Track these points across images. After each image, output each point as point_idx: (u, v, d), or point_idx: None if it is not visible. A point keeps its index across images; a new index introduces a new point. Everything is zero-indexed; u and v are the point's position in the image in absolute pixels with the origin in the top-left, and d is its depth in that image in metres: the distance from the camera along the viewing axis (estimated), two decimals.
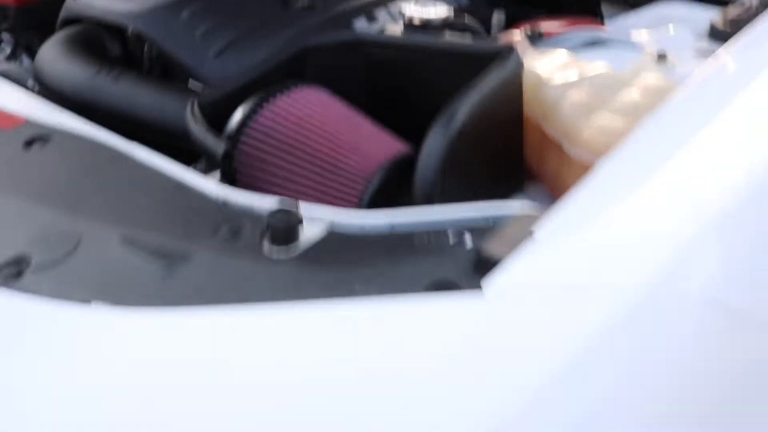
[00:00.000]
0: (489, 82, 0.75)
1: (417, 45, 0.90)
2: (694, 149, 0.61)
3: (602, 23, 1.13)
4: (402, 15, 0.96)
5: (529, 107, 0.83)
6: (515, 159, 0.85)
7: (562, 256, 0.51)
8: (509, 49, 0.80)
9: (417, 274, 0.54)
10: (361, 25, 1.13)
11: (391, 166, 0.76)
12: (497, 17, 1.10)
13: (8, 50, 1.45)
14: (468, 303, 0.49)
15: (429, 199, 0.70)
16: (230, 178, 0.78)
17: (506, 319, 0.47)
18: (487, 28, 1.16)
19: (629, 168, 0.61)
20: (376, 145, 0.79)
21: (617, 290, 0.48)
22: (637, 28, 1.08)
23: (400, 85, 0.90)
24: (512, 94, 0.81)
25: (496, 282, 0.49)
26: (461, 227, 0.59)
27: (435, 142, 0.69)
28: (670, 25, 1.04)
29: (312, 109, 0.81)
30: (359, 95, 0.93)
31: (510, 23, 1.16)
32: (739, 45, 0.79)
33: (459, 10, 1.25)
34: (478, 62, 0.80)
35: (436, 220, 0.61)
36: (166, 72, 1.10)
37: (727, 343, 0.50)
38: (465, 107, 0.71)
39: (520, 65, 0.80)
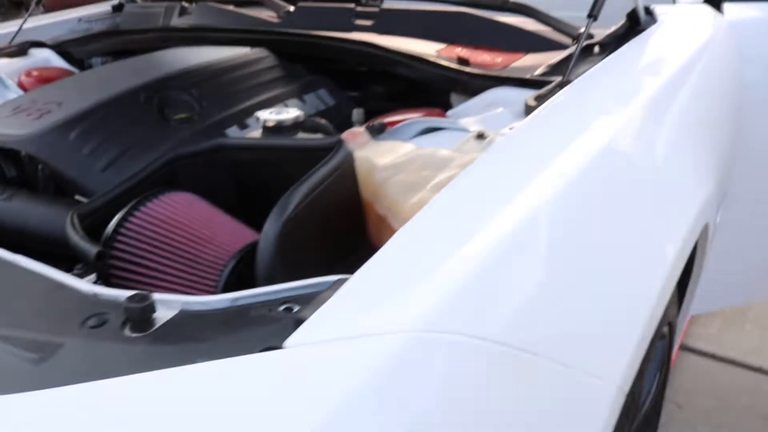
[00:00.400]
0: (318, 173, 0.89)
1: (263, 144, 1.04)
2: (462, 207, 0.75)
3: (444, 112, 1.30)
4: (258, 120, 1.10)
5: (364, 189, 0.97)
6: (358, 234, 0.98)
7: (348, 310, 0.63)
8: (339, 143, 0.95)
9: (251, 341, 0.66)
10: (233, 132, 1.27)
11: (241, 254, 0.88)
12: (357, 113, 1.25)
13: None
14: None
15: (270, 277, 0.82)
16: (105, 277, 0.89)
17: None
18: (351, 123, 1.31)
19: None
20: (231, 237, 0.92)
21: (390, 338, 0.60)
22: (473, 113, 1.25)
23: (259, 179, 1.03)
24: (345, 180, 0.95)
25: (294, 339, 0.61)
26: (289, 299, 0.71)
27: (269, 229, 0.82)
28: (499, 108, 1.21)
29: (176, 211, 0.94)
30: (229, 193, 1.06)
31: (369, 117, 1.33)
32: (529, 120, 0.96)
33: (325, 110, 1.42)
34: (314, 156, 0.94)
35: (270, 295, 0.73)
36: (59, 188, 1.21)
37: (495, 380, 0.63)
38: (295, 197, 0.85)
39: (348, 155, 0.94)
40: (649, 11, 1.52)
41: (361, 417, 0.54)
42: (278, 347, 0.60)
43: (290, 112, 1.10)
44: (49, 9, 6.54)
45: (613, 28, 1.47)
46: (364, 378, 0.56)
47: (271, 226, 0.82)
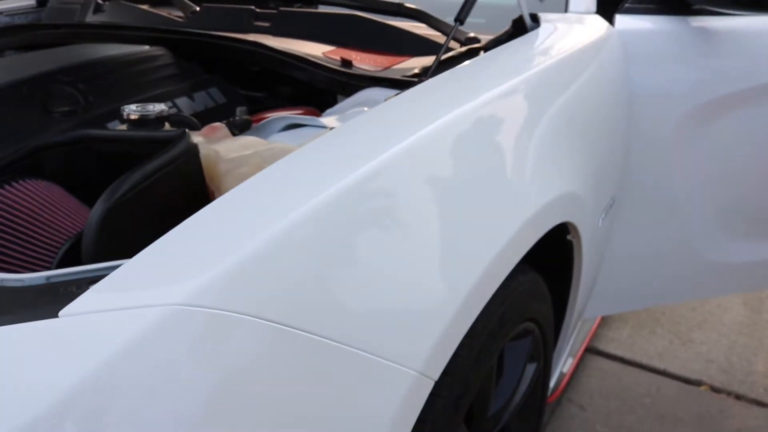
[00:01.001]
0: (153, 162, 0.93)
1: (120, 136, 1.08)
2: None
3: (319, 112, 1.35)
4: (123, 113, 1.14)
5: (209, 180, 1.02)
6: None
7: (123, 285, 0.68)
8: (181, 135, 0.99)
9: (46, 311, 0.70)
10: (113, 126, 1.32)
11: (78, 237, 0.92)
12: (239, 111, 1.30)
13: None
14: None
15: (93, 257, 0.86)
16: None
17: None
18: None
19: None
20: (74, 222, 0.96)
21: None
22: (343, 111, 1.30)
23: (120, 170, 1.07)
24: (184, 169, 0.99)
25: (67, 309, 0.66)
26: (98, 278, 0.76)
27: (94, 214, 0.87)
28: (364, 108, 1.26)
29: (25, 196, 0.98)
30: (95, 182, 1.10)
31: (252, 113, 1.38)
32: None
33: (215, 108, 1.47)
34: (161, 146, 0.99)
35: (80, 274, 0.77)
36: None
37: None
38: (124, 184, 0.89)
39: (190, 146, 0.99)
40: (535, 18, 1.58)
41: (102, 384, 0.60)
42: (53, 317, 0.65)
43: (155, 107, 1.14)
44: None
45: (498, 34, 1.54)
46: (116, 346, 0.61)
47: (95, 211, 0.87)
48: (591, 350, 2.51)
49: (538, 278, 1.36)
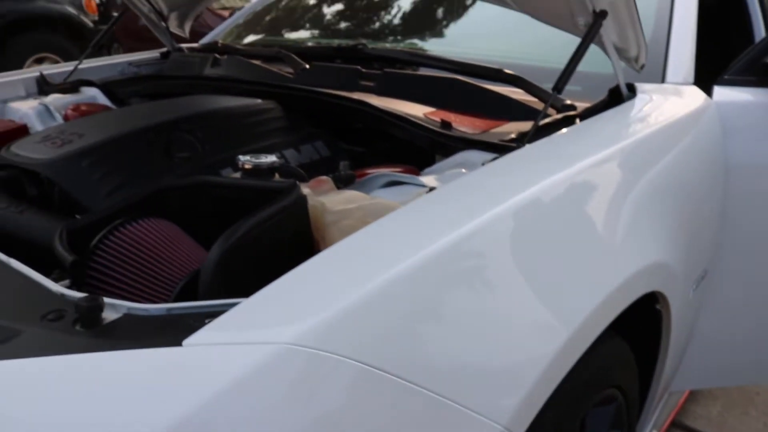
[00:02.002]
0: (265, 210, 1.02)
1: (234, 183, 1.18)
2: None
3: (418, 170, 1.42)
4: (238, 162, 1.24)
5: (315, 230, 1.10)
6: None
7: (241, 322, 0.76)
8: (291, 186, 1.08)
9: (168, 339, 0.78)
10: (227, 173, 1.42)
11: (192, 275, 1.01)
12: (343, 165, 1.38)
13: None
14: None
15: (209, 295, 0.94)
16: (78, 282, 1.03)
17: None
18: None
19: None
20: (191, 260, 1.05)
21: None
22: (441, 171, 1.37)
23: (232, 214, 1.16)
24: (294, 218, 1.07)
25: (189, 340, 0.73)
26: (214, 313, 0.84)
27: (211, 255, 0.95)
28: (462, 169, 1.32)
29: (147, 234, 1.08)
30: (209, 224, 1.19)
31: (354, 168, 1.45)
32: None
33: (319, 160, 1.56)
34: (272, 195, 1.07)
35: (198, 309, 0.86)
36: (71, 208, 1.37)
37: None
38: (239, 229, 0.98)
39: (300, 197, 1.07)
40: (632, 88, 1.62)
41: (211, 413, 0.66)
42: (177, 345, 0.73)
43: (267, 158, 1.24)
44: (124, 46, 6.97)
45: (594, 102, 1.58)
46: (231, 377, 0.68)
47: (213, 252, 0.95)
48: (677, 425, 2.43)
49: (624, 345, 1.37)
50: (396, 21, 2.45)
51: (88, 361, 0.74)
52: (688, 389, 2.51)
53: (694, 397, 2.60)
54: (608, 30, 1.49)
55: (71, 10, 6.45)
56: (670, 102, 1.62)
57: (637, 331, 1.42)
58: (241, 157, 1.24)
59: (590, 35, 1.42)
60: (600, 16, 1.43)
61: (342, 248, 0.88)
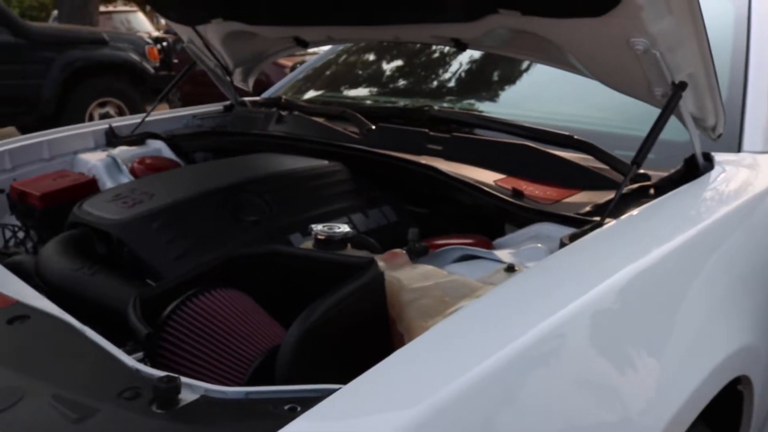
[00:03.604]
0: (344, 289, 0.99)
1: (308, 255, 1.16)
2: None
3: (491, 241, 1.39)
4: (311, 232, 1.22)
5: (391, 308, 1.07)
6: (386, 348, 1.07)
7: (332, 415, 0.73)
8: (370, 262, 1.05)
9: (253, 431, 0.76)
10: (296, 238, 1.41)
11: (268, 353, 0.99)
12: (412, 232, 1.35)
13: (30, 244, 1.77)
14: None
15: (286, 377, 0.92)
16: (151, 355, 1.02)
17: None
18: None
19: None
20: (265, 336, 1.03)
21: None
22: (515, 244, 1.33)
23: (304, 286, 1.15)
24: (375, 296, 1.05)
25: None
26: (294, 400, 0.81)
27: (290, 336, 0.93)
28: (538, 243, 1.29)
29: (221, 306, 1.06)
30: (279, 295, 1.18)
31: (424, 235, 1.43)
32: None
33: (386, 225, 1.54)
34: (349, 271, 1.05)
35: (278, 394, 0.83)
36: (140, 269, 1.37)
37: None
38: (319, 309, 0.95)
39: (378, 275, 1.05)
40: (708, 158, 1.57)
41: None
42: None
43: (341, 228, 1.22)
44: (182, 90, 7.15)
45: (670, 172, 1.53)
46: None
47: (292, 333, 0.93)
48: None
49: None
50: (457, 80, 2.44)
51: None
52: None
53: None
54: (687, 101, 1.45)
55: (135, 57, 6.67)
56: (749, 174, 1.57)
57: (715, 413, 1.35)
58: (314, 227, 1.22)
59: (670, 107, 1.38)
60: (679, 87, 1.39)
61: (429, 340, 0.85)
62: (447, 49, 2.52)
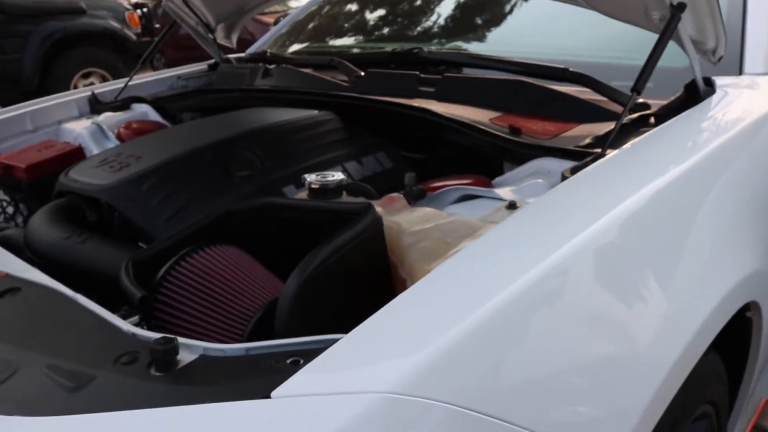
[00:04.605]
0: (341, 236, 0.95)
1: (303, 205, 1.12)
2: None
3: (491, 180, 1.35)
4: (304, 182, 1.18)
5: (391, 253, 1.03)
6: (388, 294, 1.03)
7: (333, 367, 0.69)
8: (367, 208, 1.01)
9: (251, 388, 0.73)
10: (289, 190, 1.37)
11: (266, 307, 0.96)
12: (408, 177, 1.31)
13: (19, 219, 1.73)
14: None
15: (286, 330, 0.89)
16: (147, 319, 0.99)
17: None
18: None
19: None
20: (264, 290, 1.00)
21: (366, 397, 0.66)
22: (515, 181, 1.29)
23: (301, 237, 1.11)
24: (373, 242, 1.01)
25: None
26: (296, 353, 0.78)
27: (288, 287, 0.89)
28: (539, 178, 1.25)
29: (216, 263, 1.03)
30: (276, 248, 1.14)
31: (420, 180, 1.39)
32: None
33: (382, 172, 1.50)
34: (346, 218, 1.01)
35: (279, 348, 0.80)
36: (131, 233, 1.33)
37: None
38: (316, 258, 0.92)
39: (376, 221, 1.01)
40: (709, 82, 1.52)
41: None
42: (266, 397, 0.67)
43: (335, 176, 1.18)
44: (166, 56, 7.06)
45: (670, 99, 1.48)
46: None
47: (289, 285, 0.89)
48: (759, 428, 2.32)
49: (718, 360, 1.28)
50: (444, 22, 2.37)
51: (169, 418, 0.68)
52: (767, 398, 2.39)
53: None
54: (686, 23, 1.39)
55: (114, 24, 6.53)
56: (751, 96, 1.52)
57: (727, 341, 1.34)
58: (307, 176, 1.18)
59: (668, 31, 1.33)
60: (678, 8, 1.34)
61: (430, 283, 0.81)
62: None
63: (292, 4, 6.04)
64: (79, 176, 1.42)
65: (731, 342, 1.41)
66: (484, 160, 1.50)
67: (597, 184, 1.07)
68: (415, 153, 1.67)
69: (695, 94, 1.48)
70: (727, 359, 1.39)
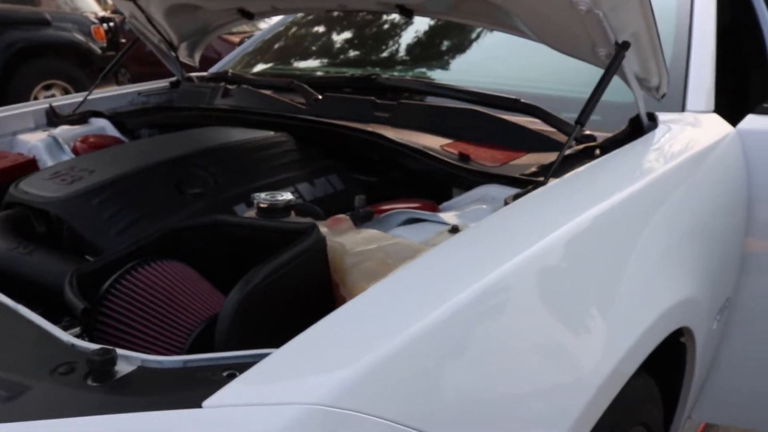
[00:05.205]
0: (285, 255, 0.98)
1: (249, 223, 1.14)
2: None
3: (438, 205, 1.38)
4: (254, 201, 1.20)
5: (334, 272, 1.06)
6: (326, 311, 1.05)
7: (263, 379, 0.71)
8: (311, 227, 1.04)
9: (185, 399, 0.74)
10: (240, 209, 1.39)
11: (207, 322, 0.97)
12: (358, 199, 1.34)
13: None
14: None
15: (225, 344, 0.90)
16: (89, 330, 0.99)
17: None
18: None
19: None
20: (206, 305, 1.01)
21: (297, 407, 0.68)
22: (461, 206, 1.33)
23: (248, 255, 1.13)
24: (313, 261, 1.03)
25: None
26: (233, 366, 0.80)
27: (228, 303, 0.91)
28: (483, 204, 1.29)
29: (160, 278, 1.04)
30: (225, 265, 1.15)
31: (372, 202, 1.42)
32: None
33: (333, 194, 1.52)
34: (291, 237, 1.03)
35: (216, 360, 0.81)
36: (80, 247, 1.33)
37: None
38: (257, 275, 0.94)
39: (319, 240, 1.03)
40: (652, 117, 1.58)
41: None
42: (197, 407, 0.69)
43: (284, 196, 1.20)
44: (130, 71, 7.01)
45: (615, 132, 1.54)
46: None
47: (230, 300, 0.91)
48: None
49: (650, 382, 1.33)
50: (406, 50, 2.42)
51: (101, 424, 0.70)
52: (705, 422, 2.44)
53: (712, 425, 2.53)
54: (630, 61, 1.45)
55: (79, 37, 6.50)
56: (692, 132, 1.58)
57: (659, 365, 1.38)
58: (257, 195, 1.20)
59: (613, 67, 1.38)
60: (622, 47, 1.39)
61: (367, 299, 0.84)
62: (396, 18, 2.50)
63: (261, 25, 6.08)
64: (30, 188, 1.42)
65: (667, 366, 1.46)
66: (435, 185, 1.53)
67: (537, 210, 1.11)
68: (369, 176, 1.71)
69: (639, 127, 1.54)
70: (663, 383, 1.44)
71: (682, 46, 1.84)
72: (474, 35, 2.25)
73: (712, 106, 1.73)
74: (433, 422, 0.77)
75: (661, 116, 1.61)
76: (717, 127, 1.65)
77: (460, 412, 0.80)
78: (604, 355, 0.97)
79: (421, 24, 2.42)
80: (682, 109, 1.71)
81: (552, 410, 0.89)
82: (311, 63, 2.60)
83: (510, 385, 0.85)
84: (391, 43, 2.53)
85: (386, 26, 2.57)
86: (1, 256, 1.25)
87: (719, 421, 1.97)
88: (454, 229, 1.15)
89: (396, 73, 2.22)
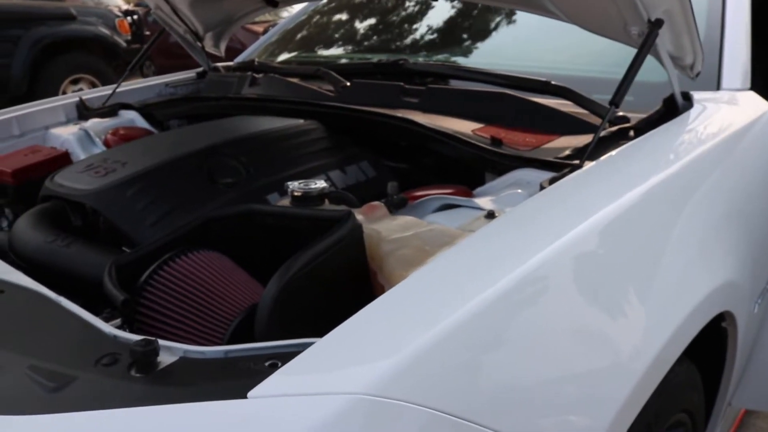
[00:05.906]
0: (321, 243, 0.97)
1: (285, 212, 1.14)
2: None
3: (472, 190, 1.37)
4: (287, 189, 1.20)
5: (371, 260, 1.05)
6: (365, 299, 1.05)
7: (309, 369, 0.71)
8: (347, 215, 1.03)
9: (229, 389, 0.74)
10: (273, 198, 1.38)
11: (247, 312, 0.97)
12: (391, 186, 1.33)
13: (5, 223, 1.74)
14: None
15: (266, 334, 0.90)
16: (129, 321, 1.00)
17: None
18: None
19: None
20: (245, 295, 1.01)
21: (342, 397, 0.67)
22: (495, 192, 1.32)
23: (283, 243, 1.13)
24: (353, 249, 1.03)
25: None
26: (275, 355, 0.80)
27: (267, 292, 0.91)
28: (518, 189, 1.27)
29: (199, 268, 1.04)
30: (259, 254, 1.15)
31: (403, 189, 1.41)
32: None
33: (365, 181, 1.52)
34: (327, 225, 1.03)
35: (258, 351, 0.81)
36: (116, 238, 1.34)
37: None
38: (295, 264, 0.93)
39: (356, 228, 1.03)
40: (687, 96, 1.55)
41: None
42: (242, 397, 0.69)
43: (317, 184, 1.20)
44: (156, 64, 7.07)
45: (649, 113, 1.51)
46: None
47: (269, 290, 0.91)
48: None
49: (693, 368, 1.31)
50: (432, 34, 2.40)
51: (148, 416, 0.70)
52: (745, 409, 2.41)
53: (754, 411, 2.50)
54: (664, 39, 1.43)
55: (104, 31, 6.54)
56: (729, 111, 1.55)
57: (702, 350, 1.36)
58: (290, 184, 1.20)
59: (646, 46, 1.36)
60: (655, 25, 1.37)
61: (408, 288, 0.84)
62: (421, 2, 2.48)
63: (283, 14, 6.08)
64: (65, 181, 1.43)
65: (708, 352, 1.43)
66: (466, 171, 1.52)
67: (574, 194, 1.10)
68: (399, 163, 1.70)
69: (673, 108, 1.51)
70: (704, 369, 1.42)
71: (715, 22, 1.80)
72: (501, 18, 2.23)
73: (748, 84, 1.70)
74: (475, 410, 0.76)
75: (696, 95, 1.57)
76: (754, 105, 1.62)
77: (501, 399, 0.79)
78: (645, 341, 0.96)
79: (445, 7, 2.40)
80: (717, 87, 1.68)
81: (594, 397, 0.88)
82: (336, 50, 2.59)
83: (550, 372, 0.84)
84: (416, 27, 2.51)
85: (410, 11, 2.55)
86: (39, 249, 1.27)
87: (760, 408, 1.94)
88: (490, 215, 1.14)
89: (422, 59, 2.20)
